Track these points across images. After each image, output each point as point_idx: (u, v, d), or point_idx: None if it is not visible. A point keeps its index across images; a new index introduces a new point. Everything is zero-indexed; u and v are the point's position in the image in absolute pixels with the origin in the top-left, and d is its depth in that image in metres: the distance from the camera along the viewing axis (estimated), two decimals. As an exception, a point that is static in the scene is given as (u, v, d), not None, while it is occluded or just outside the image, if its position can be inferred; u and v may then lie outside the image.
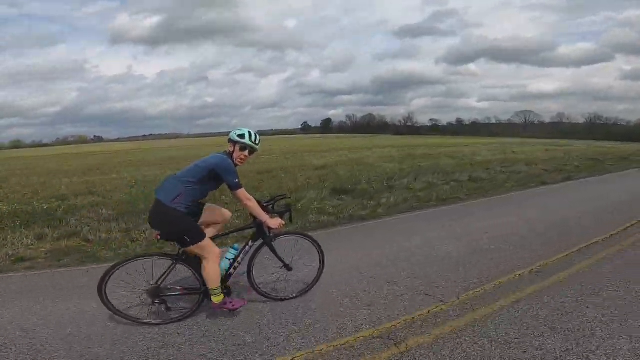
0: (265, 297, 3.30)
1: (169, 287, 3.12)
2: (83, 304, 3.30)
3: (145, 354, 2.60)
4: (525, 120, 76.34)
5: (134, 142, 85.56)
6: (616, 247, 4.46)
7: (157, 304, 2.98)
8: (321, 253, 3.45)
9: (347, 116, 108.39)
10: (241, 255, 3.19)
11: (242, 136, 2.97)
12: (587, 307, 2.98)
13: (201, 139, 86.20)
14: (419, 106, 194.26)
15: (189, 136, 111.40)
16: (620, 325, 2.72)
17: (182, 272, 3.24)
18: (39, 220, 6.62)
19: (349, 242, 5.16)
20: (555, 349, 2.47)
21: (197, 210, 3.04)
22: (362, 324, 2.90)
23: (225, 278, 3.12)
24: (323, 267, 3.49)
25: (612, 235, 4.97)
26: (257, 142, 3.03)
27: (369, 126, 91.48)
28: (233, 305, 2.99)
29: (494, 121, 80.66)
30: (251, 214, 3.08)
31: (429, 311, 3.05)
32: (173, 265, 3.00)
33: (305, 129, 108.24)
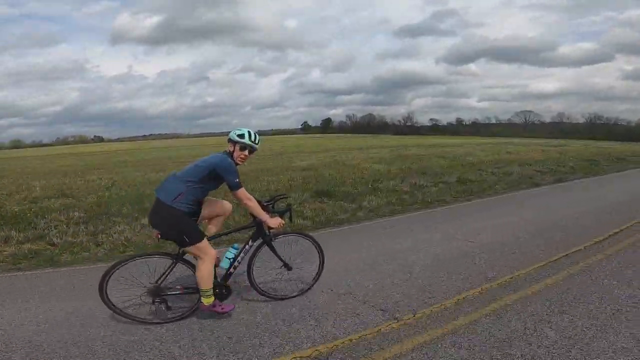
0: (265, 296, 3.30)
1: (169, 286, 3.14)
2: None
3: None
4: (526, 120, 75.89)
5: (133, 142, 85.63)
6: (598, 257, 4.18)
7: (157, 303, 2.99)
8: (321, 253, 3.45)
9: (347, 116, 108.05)
10: (241, 255, 3.19)
11: (241, 136, 2.98)
12: (550, 328, 2.70)
13: (201, 138, 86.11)
14: (420, 106, 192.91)
15: (189, 136, 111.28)
16: (581, 351, 2.45)
17: (183, 271, 3.24)
18: (9, 223, 6.42)
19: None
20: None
21: (197, 209, 3.04)
22: (303, 342, 2.66)
23: (226, 277, 3.14)
24: (323, 266, 3.49)
25: (596, 242, 4.70)
26: (256, 141, 3.04)
27: (369, 126, 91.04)
28: (222, 309, 3.00)
29: (494, 121, 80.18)
30: (251, 214, 3.09)
31: (379, 330, 2.78)
32: (173, 265, 3.02)
33: (305, 128, 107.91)
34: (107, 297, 2.89)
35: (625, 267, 3.83)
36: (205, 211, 3.14)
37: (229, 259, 3.14)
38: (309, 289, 3.46)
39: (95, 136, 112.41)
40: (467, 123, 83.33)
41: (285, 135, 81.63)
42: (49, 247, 5.46)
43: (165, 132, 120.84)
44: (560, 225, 5.64)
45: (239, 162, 3.00)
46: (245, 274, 3.26)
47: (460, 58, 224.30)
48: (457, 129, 77.43)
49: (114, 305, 2.94)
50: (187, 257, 3.05)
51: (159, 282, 2.99)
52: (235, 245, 3.25)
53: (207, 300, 2.93)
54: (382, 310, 3.09)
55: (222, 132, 61.11)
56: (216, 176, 2.90)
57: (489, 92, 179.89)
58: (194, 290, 3.03)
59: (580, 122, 66.21)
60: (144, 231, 6.20)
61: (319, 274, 3.50)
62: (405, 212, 7.15)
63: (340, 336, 2.73)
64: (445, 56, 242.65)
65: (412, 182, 9.95)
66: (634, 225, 5.44)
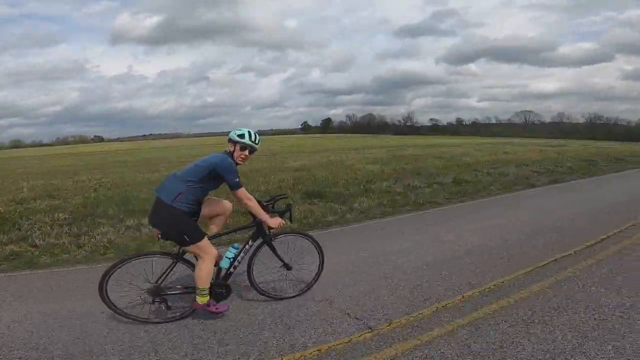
0: (265, 296, 3.30)
1: (169, 285, 3.13)
2: None
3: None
4: (526, 120, 75.53)
5: (133, 142, 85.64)
6: (588, 262, 4.03)
7: (157, 303, 2.98)
8: (321, 253, 3.45)
9: (347, 116, 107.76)
10: (241, 254, 3.19)
11: (242, 136, 2.98)
12: (528, 340, 2.55)
13: (201, 138, 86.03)
14: (420, 106, 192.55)
15: (189, 136, 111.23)
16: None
17: (183, 271, 3.23)
18: (-7, 224, 6.35)
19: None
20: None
21: (197, 209, 3.03)
22: (270, 351, 2.54)
23: (226, 277, 3.13)
24: (323, 266, 3.48)
25: (587, 246, 4.54)
26: (257, 141, 3.04)
27: (369, 126, 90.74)
28: (217, 309, 2.98)
29: (494, 121, 79.84)
30: (251, 213, 3.09)
31: (350, 340, 2.65)
32: (173, 264, 3.01)
33: (305, 128, 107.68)
34: (107, 296, 2.89)
35: (616, 274, 3.67)
36: (205, 210, 3.13)
37: (229, 258, 3.14)
38: (308, 288, 3.45)
39: (95, 136, 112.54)
40: (467, 123, 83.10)
41: (285, 136, 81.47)
42: (31, 248, 5.40)
43: (165, 132, 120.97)
44: (553, 227, 5.49)
45: (239, 162, 3.00)
46: (245, 273, 3.26)
47: (460, 58, 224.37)
48: (457, 129, 77.14)
49: (114, 305, 2.92)
50: (187, 256, 3.05)
51: (159, 281, 2.98)
52: (235, 244, 3.24)
53: (202, 299, 2.91)
54: (357, 318, 2.95)
55: (222, 132, 61.18)
56: (216, 176, 2.90)
57: (489, 92, 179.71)
58: (194, 290, 3.01)
59: (580, 122, 66.04)
60: (128, 233, 6.12)
61: (318, 273, 3.49)
62: (395, 214, 7.01)
63: (309, 346, 2.60)
64: (445, 56, 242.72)
65: (406, 183, 9.81)
66: (628, 228, 5.28)
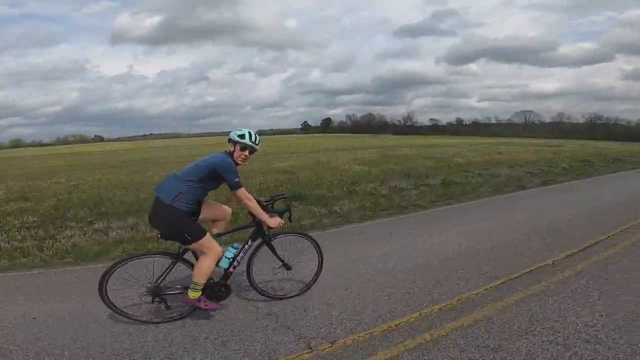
0: (265, 295, 3.30)
1: (169, 285, 3.12)
2: None
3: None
4: (526, 120, 75.02)
5: (133, 142, 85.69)
6: (565, 273, 3.75)
7: (157, 303, 2.98)
8: (320, 253, 3.45)
9: (347, 116, 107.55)
10: (240, 254, 3.17)
11: (242, 136, 2.98)
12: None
13: (201, 138, 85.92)
14: (420, 106, 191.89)
15: (189, 136, 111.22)
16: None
17: (183, 270, 3.19)
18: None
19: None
20: None
21: (197, 209, 3.03)
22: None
23: (225, 276, 3.12)
24: (322, 266, 3.48)
25: (567, 255, 4.26)
26: (257, 142, 3.04)
27: (369, 126, 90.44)
28: (206, 305, 2.97)
29: (494, 121, 79.34)
30: (251, 213, 3.09)
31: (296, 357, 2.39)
32: (173, 264, 3.00)
33: (305, 128, 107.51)
34: (107, 296, 2.87)
35: (593, 288, 3.37)
36: (204, 213, 3.12)
37: (229, 258, 3.13)
38: (308, 288, 3.45)
39: (95, 136, 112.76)
40: (467, 123, 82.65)
41: (285, 135, 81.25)
42: (-6, 252, 5.25)
43: (165, 132, 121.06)
44: (537, 234, 5.18)
45: (239, 162, 3.00)
46: (245, 273, 3.25)
47: (460, 58, 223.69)
48: (457, 129, 76.70)
49: (113, 305, 2.91)
50: (187, 256, 3.05)
51: (159, 281, 2.97)
52: (235, 244, 3.24)
53: (194, 294, 2.89)
54: (298, 336, 2.69)
55: (222, 132, 61.03)
56: (216, 176, 2.89)
57: (489, 92, 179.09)
58: None
59: (580, 122, 65.49)
60: (95, 236, 5.93)
61: (317, 273, 3.50)
62: (375, 218, 6.72)
63: None
64: (445, 56, 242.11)
65: (393, 184, 9.53)
66: (618, 234, 4.99)
